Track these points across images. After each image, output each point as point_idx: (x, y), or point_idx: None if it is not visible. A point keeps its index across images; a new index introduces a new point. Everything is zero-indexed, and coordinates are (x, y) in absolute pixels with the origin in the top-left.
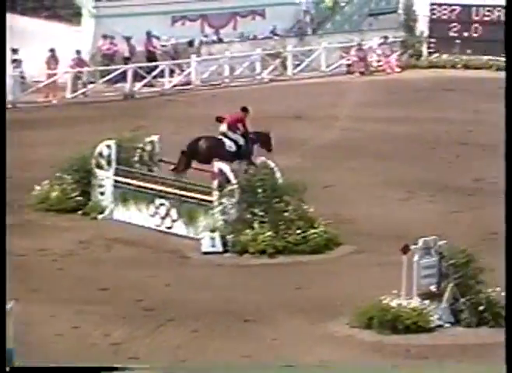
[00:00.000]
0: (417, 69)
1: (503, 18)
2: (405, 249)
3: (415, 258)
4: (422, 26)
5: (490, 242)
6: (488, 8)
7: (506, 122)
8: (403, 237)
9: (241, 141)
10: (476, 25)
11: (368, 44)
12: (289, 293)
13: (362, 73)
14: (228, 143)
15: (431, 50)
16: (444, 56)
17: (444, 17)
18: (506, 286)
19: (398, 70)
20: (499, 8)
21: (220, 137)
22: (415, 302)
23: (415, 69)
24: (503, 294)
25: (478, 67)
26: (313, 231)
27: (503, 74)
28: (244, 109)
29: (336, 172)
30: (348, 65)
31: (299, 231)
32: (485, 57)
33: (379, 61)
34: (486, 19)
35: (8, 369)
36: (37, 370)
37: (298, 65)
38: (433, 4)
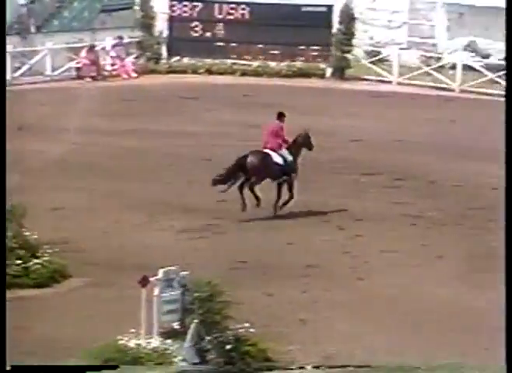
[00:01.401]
0: (156, 74)
1: (247, 16)
2: (144, 282)
3: (156, 291)
4: (161, 25)
5: (238, 271)
6: (232, 6)
7: (506, 125)
8: (142, 267)
9: (288, 157)
10: (219, 24)
11: (101, 45)
12: (9, 333)
13: (93, 78)
14: (275, 157)
15: (171, 53)
16: (185, 59)
17: (185, 15)
18: (506, 286)
19: (135, 75)
20: (243, 6)
21: (267, 151)
22: (156, 342)
23: (153, 74)
24: (252, 330)
25: (222, 73)
26: (36, 261)
27: (251, 80)
28: (281, 115)
29: (65, 192)
30: (78, 69)
31: (19, 262)
32: (230, 61)
33: (113, 65)
34: (230, 17)
35: (8, 368)
36: (37, 369)
37: (19, 68)
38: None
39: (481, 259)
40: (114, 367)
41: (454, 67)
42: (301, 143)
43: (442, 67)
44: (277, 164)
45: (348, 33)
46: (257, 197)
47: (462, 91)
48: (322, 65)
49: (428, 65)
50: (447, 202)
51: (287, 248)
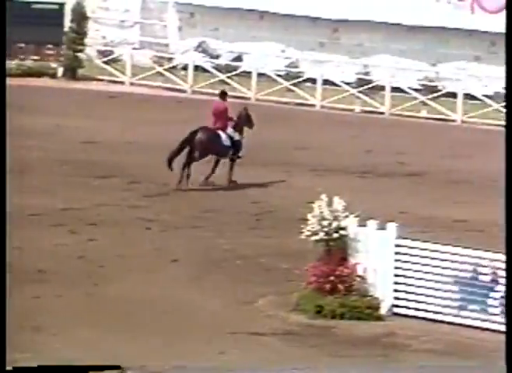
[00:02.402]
0: None
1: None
2: None
3: None
4: None
5: None
6: None
7: (507, 123)
8: None
9: (235, 136)
10: None
11: None
12: None
13: None
14: (224, 137)
15: None
16: None
17: None
18: (507, 284)
19: None
20: None
21: (218, 131)
22: None
23: None
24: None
25: None
26: None
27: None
28: (223, 94)
29: None
30: None
31: None
32: None
33: None
34: None
35: (8, 369)
36: (37, 370)
37: None
38: None
39: (214, 262)
40: (117, 368)
41: (186, 67)
42: (244, 121)
43: (174, 67)
44: (225, 146)
45: (80, 32)
46: (187, 176)
47: (194, 92)
48: (54, 64)
49: (161, 65)
50: (181, 205)
51: (15, 252)
